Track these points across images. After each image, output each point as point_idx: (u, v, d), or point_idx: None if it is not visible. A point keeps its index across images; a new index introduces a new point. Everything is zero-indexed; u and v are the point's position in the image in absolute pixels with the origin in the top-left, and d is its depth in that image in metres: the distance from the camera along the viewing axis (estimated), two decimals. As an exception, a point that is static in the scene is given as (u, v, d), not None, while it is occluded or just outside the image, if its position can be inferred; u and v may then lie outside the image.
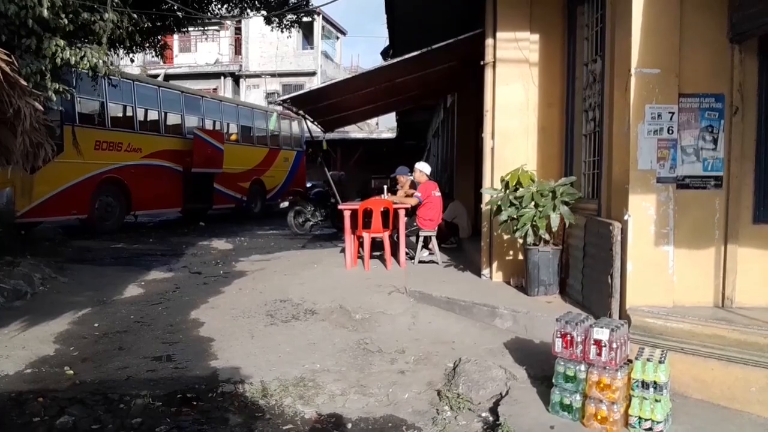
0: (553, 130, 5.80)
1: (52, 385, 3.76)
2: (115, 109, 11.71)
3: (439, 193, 7.49)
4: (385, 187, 8.54)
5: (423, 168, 7.70)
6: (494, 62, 5.87)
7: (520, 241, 5.19)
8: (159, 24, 10.60)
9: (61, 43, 6.01)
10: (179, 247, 9.75)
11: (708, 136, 4.00)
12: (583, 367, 3.09)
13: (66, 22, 6.06)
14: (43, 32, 5.94)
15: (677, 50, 3.92)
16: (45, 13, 5.65)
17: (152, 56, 12.76)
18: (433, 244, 7.24)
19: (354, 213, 7.14)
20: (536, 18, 5.75)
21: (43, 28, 5.95)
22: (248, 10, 12.31)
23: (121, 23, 6.79)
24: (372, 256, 7.15)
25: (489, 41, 5.94)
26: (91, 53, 6.33)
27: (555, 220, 4.88)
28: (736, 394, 3.26)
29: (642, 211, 3.95)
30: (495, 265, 5.90)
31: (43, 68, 5.96)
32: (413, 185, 7.91)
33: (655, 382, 2.90)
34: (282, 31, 12.99)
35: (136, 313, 5.48)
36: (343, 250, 7.64)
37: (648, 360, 2.96)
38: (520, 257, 5.58)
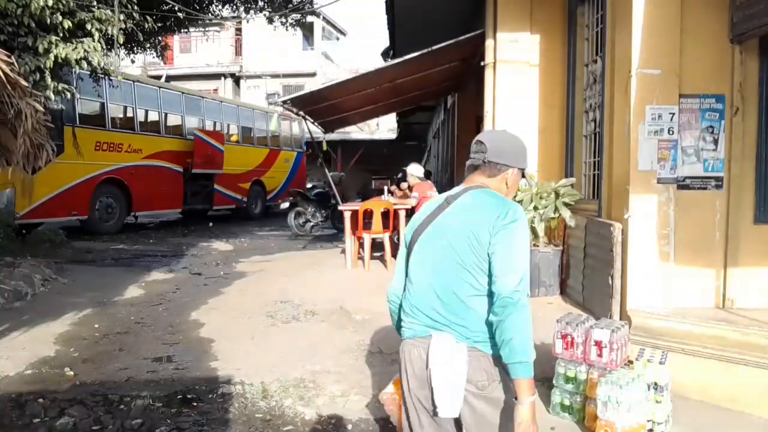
0: (554, 130, 5.79)
1: (52, 386, 3.75)
2: (115, 110, 11.71)
3: (435, 193, 7.47)
4: (386, 187, 8.52)
5: (414, 171, 7.70)
6: (495, 63, 5.88)
7: (521, 241, 5.18)
8: (160, 25, 10.60)
9: (53, 39, 6.02)
10: (179, 248, 9.74)
11: (708, 136, 4.00)
12: (583, 368, 3.09)
13: (61, 19, 6.07)
14: (39, 30, 5.95)
15: (678, 51, 3.92)
16: (38, 10, 5.65)
17: (153, 57, 12.75)
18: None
19: (354, 214, 7.14)
20: (536, 19, 5.76)
21: (42, 28, 5.96)
22: (251, 11, 12.31)
23: (115, 20, 6.78)
24: (372, 257, 7.14)
25: (489, 42, 5.94)
26: (82, 46, 6.32)
27: (555, 222, 4.88)
28: (737, 395, 3.26)
29: (643, 211, 3.95)
30: (495, 265, 5.88)
31: (42, 66, 5.97)
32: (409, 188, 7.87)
33: (655, 383, 2.90)
34: (287, 29, 13.00)
35: (137, 314, 5.48)
36: (343, 251, 7.63)
37: (649, 361, 2.95)
38: (521, 258, 5.56)
